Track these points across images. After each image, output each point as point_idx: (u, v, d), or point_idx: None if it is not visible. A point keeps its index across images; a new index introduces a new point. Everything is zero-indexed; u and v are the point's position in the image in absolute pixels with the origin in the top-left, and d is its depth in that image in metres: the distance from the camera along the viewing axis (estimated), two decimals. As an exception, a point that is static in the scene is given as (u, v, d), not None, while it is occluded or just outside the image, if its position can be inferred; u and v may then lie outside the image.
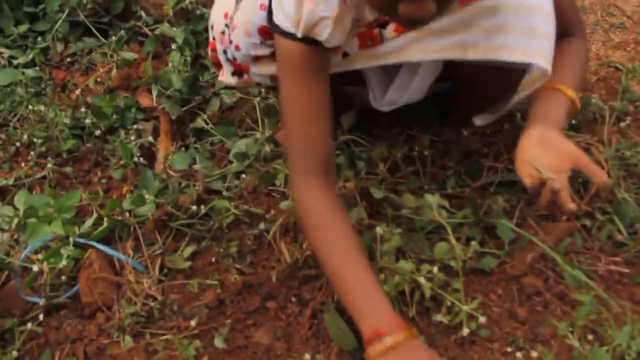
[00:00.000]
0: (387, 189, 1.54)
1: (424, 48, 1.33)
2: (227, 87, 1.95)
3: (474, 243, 1.36)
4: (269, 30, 1.33)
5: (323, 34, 1.24)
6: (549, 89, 1.40)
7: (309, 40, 1.25)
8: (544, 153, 1.30)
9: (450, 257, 1.35)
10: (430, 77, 1.50)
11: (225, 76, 1.57)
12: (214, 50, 1.54)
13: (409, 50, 1.34)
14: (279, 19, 1.25)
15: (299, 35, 1.24)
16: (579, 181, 1.43)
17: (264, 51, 1.42)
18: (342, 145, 1.63)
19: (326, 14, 1.22)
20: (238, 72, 1.53)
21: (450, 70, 1.50)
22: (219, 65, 1.58)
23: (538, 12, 1.30)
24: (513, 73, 1.40)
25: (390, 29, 1.33)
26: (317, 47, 1.26)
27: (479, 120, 1.58)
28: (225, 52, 1.49)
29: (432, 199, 1.42)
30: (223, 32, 1.47)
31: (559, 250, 1.38)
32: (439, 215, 1.39)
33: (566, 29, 1.45)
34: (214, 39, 1.52)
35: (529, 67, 1.38)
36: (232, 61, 1.50)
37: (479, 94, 1.54)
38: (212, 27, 1.51)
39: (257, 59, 1.45)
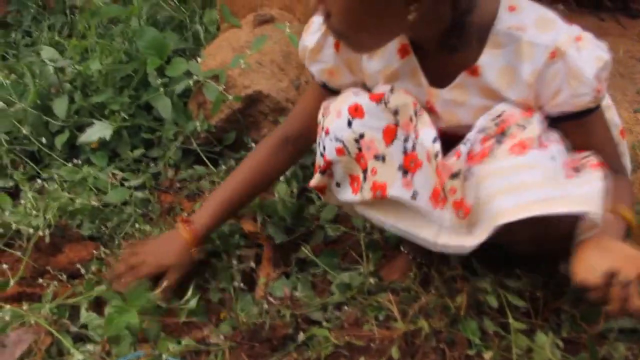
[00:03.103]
0: (496, 326, 1.45)
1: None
2: (332, 222, 1.93)
3: (594, 392, 1.25)
4: (359, 107, 1.45)
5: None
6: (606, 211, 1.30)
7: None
8: (604, 258, 1.18)
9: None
10: None
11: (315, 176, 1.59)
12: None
13: None
14: None
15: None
16: None
17: (349, 135, 1.45)
18: (449, 279, 1.56)
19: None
20: (322, 170, 1.55)
21: None
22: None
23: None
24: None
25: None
26: None
27: (563, 268, 1.49)
28: (319, 144, 1.54)
29: (546, 338, 1.33)
30: (319, 123, 1.55)
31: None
32: (553, 356, 1.29)
33: (612, 170, 1.39)
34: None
35: None
36: (322, 155, 1.53)
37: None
38: None
39: (340, 151, 1.48)
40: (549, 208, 1.22)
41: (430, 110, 1.45)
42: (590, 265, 1.20)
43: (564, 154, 1.34)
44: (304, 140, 1.72)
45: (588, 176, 1.30)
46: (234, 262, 1.79)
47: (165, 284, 1.63)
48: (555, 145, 1.34)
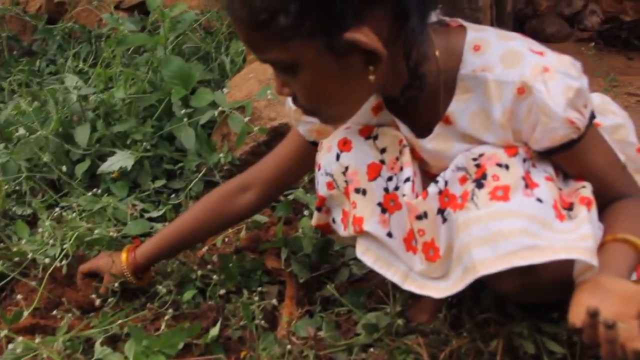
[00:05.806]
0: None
1: None
2: (357, 259, 1.86)
3: None
4: (348, 141, 1.44)
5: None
6: (607, 242, 1.25)
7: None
8: (601, 302, 1.11)
9: None
10: None
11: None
12: None
13: None
14: None
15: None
16: None
17: (337, 169, 1.43)
18: (482, 322, 1.49)
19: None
20: (318, 207, 1.53)
21: None
22: None
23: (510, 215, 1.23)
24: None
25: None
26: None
27: None
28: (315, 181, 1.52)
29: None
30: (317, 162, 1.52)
31: None
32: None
33: (620, 196, 1.34)
34: None
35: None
36: (318, 192, 1.50)
37: None
38: None
39: (330, 185, 1.46)
40: (528, 258, 1.18)
41: (418, 159, 1.44)
42: (580, 307, 1.13)
43: (555, 191, 1.28)
44: (270, 189, 1.73)
45: (577, 219, 1.24)
46: (256, 299, 1.73)
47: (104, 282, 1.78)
48: (545, 183, 1.27)
